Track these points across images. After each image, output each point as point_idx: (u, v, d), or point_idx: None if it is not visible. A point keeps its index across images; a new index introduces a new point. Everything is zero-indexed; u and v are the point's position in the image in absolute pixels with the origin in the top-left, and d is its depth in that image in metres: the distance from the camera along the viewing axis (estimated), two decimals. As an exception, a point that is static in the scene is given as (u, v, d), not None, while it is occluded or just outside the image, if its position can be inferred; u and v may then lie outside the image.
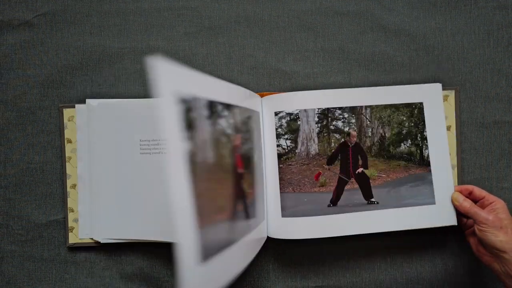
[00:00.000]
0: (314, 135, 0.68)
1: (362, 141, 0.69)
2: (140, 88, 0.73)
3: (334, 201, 0.68)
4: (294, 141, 0.68)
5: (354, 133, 0.69)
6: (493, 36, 0.73)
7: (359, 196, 0.68)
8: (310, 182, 0.68)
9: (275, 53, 0.74)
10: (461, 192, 0.67)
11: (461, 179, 0.71)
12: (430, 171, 0.69)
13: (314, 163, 0.68)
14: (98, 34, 0.73)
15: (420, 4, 0.73)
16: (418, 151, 0.69)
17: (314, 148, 0.69)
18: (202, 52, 0.73)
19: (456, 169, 0.71)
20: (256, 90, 0.73)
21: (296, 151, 0.68)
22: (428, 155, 0.69)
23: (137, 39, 0.73)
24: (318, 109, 0.69)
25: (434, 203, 0.67)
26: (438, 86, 0.70)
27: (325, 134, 0.69)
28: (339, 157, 0.69)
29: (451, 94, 0.72)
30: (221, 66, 0.73)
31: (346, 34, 0.73)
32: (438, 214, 0.66)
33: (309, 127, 0.68)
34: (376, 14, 0.73)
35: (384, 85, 0.72)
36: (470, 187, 0.67)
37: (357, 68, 0.73)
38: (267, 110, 0.69)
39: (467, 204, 0.65)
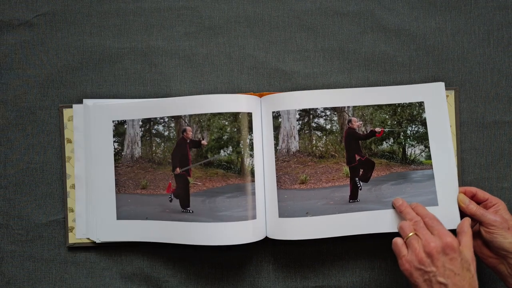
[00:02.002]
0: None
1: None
2: (140, 88, 0.73)
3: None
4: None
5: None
6: (493, 36, 0.73)
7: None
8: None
9: (275, 53, 0.74)
10: (465, 194, 0.66)
11: (461, 179, 0.71)
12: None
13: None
14: (98, 34, 0.73)
15: (420, 4, 0.73)
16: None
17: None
18: (202, 52, 0.73)
19: (456, 169, 0.71)
20: (256, 90, 0.73)
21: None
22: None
23: (137, 39, 0.73)
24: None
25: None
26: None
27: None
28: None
29: (451, 94, 0.72)
30: (221, 66, 0.73)
31: (346, 34, 0.73)
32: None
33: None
34: (376, 14, 0.73)
35: (384, 85, 0.72)
36: (473, 189, 0.66)
37: (357, 68, 0.73)
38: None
39: (473, 206, 0.64)
